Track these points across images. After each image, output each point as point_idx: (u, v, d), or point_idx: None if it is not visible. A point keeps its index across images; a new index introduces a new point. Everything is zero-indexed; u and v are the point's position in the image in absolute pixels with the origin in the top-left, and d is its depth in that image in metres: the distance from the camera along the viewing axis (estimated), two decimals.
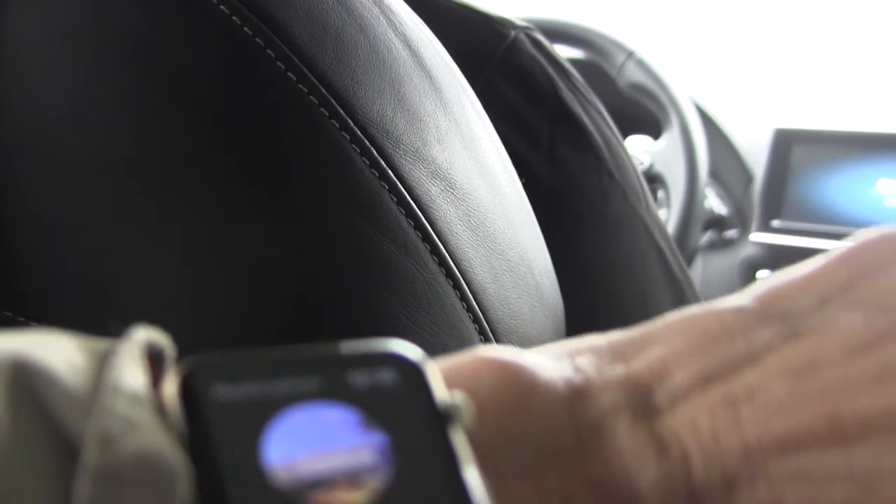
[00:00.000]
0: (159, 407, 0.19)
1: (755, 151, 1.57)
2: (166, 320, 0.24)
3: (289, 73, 0.40)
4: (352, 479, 0.19)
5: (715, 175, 1.54)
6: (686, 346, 0.24)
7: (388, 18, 0.46)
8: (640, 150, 1.46)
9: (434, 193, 0.44)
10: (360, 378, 0.21)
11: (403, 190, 0.43)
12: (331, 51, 0.42)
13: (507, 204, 0.51)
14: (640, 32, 1.49)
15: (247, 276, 0.40)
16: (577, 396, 0.23)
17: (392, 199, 0.42)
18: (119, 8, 0.40)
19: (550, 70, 0.71)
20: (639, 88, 1.41)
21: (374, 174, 0.42)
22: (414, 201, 0.43)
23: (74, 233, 0.41)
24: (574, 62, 0.85)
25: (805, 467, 0.22)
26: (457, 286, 0.44)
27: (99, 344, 0.20)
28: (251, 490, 0.19)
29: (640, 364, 0.24)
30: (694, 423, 0.23)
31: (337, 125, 0.41)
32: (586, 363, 0.24)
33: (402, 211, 0.42)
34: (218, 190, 0.41)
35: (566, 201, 0.71)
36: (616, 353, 0.24)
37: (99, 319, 0.41)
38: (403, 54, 0.46)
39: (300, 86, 0.41)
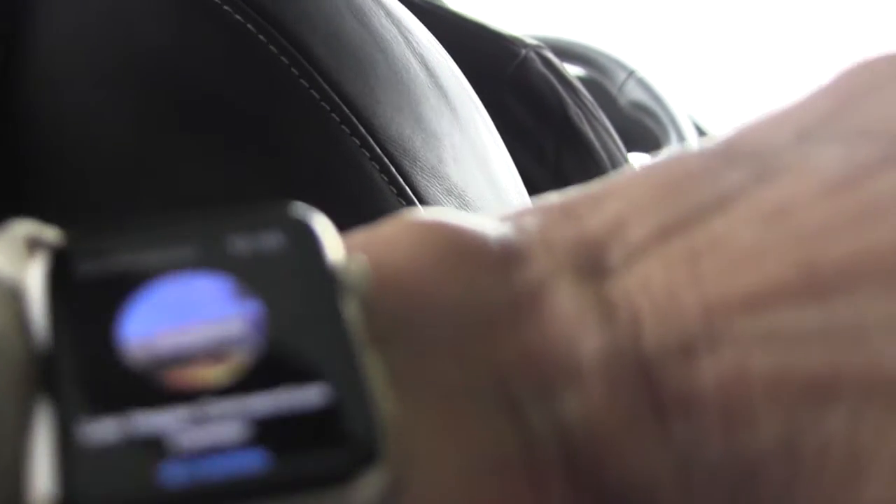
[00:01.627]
0: (15, 289, 0.18)
1: None
2: None
3: (312, 91, 0.41)
4: (214, 352, 0.17)
5: None
6: (645, 196, 0.20)
7: (406, 39, 0.47)
8: (640, 167, 1.46)
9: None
10: (240, 243, 0.19)
11: (420, 206, 0.43)
12: (352, 70, 0.43)
13: None
14: (640, 50, 1.50)
15: None
16: (514, 259, 0.20)
17: None
18: (147, 25, 0.41)
19: (559, 87, 0.72)
20: (639, 107, 1.42)
21: (392, 191, 0.43)
22: None
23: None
24: None
25: (776, 327, 0.18)
26: None
27: None
28: (100, 368, 0.17)
29: (594, 221, 0.20)
30: (647, 282, 0.19)
31: (358, 142, 0.42)
32: (533, 223, 0.21)
33: None
34: (241, 203, 0.41)
35: None
36: (570, 211, 0.21)
37: None
38: (421, 74, 0.46)
39: (323, 104, 0.41)
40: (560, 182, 0.73)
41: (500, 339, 0.19)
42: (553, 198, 0.21)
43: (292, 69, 0.41)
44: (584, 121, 0.74)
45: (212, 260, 0.18)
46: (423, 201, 0.44)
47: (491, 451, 0.18)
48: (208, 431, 0.16)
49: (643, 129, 1.45)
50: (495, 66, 0.71)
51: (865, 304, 0.18)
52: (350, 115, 0.42)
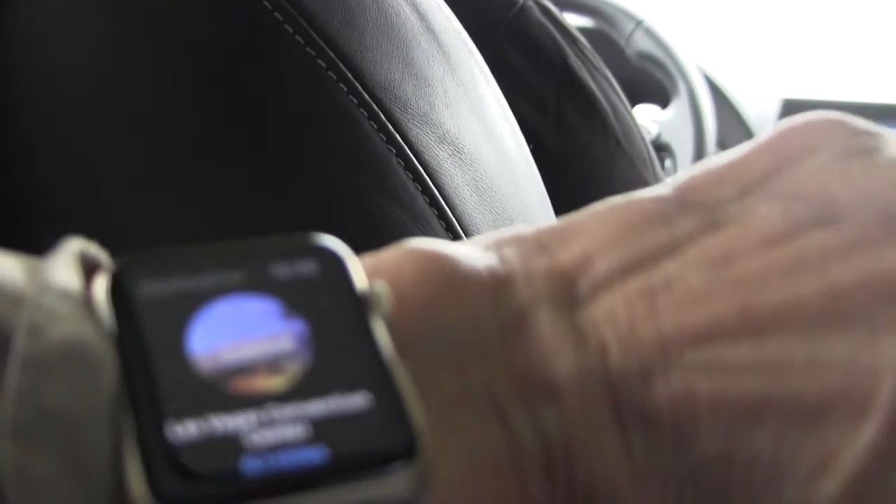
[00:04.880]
0: (87, 302, 0.20)
1: (763, 121, 1.56)
2: None
3: (297, 37, 0.40)
4: (272, 364, 0.20)
5: (722, 145, 1.54)
6: (608, 236, 0.24)
7: None
8: (647, 119, 1.46)
9: (442, 158, 0.44)
10: (281, 270, 0.21)
11: (411, 154, 0.43)
12: (339, 14, 0.42)
13: (514, 169, 0.51)
14: (648, 1, 1.48)
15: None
16: (500, 286, 0.23)
17: (400, 164, 0.42)
18: None
19: (559, 37, 0.71)
20: (647, 57, 1.41)
21: (381, 138, 0.42)
22: (422, 166, 0.43)
23: (93, 192, 0.42)
24: (582, 31, 0.85)
25: (716, 357, 0.22)
26: None
27: (37, 260, 0.21)
28: (176, 378, 0.19)
29: (564, 255, 0.24)
30: (612, 314, 0.23)
31: (345, 89, 0.41)
32: (512, 254, 0.24)
33: (410, 175, 0.43)
34: (227, 156, 0.41)
35: (572, 168, 0.71)
36: (541, 245, 0.24)
37: None
38: (412, 18, 0.46)
39: (308, 49, 0.41)
40: (563, 133, 0.72)
41: (490, 357, 0.22)
42: (524, 229, 0.25)
43: (275, 13, 0.40)
44: (584, 71, 0.73)
45: (259, 284, 0.21)
46: (413, 149, 0.43)
47: (485, 450, 0.22)
48: (275, 432, 0.19)
49: (651, 80, 1.43)
50: (492, 14, 0.70)
51: (790, 343, 0.22)
52: (336, 60, 0.41)
